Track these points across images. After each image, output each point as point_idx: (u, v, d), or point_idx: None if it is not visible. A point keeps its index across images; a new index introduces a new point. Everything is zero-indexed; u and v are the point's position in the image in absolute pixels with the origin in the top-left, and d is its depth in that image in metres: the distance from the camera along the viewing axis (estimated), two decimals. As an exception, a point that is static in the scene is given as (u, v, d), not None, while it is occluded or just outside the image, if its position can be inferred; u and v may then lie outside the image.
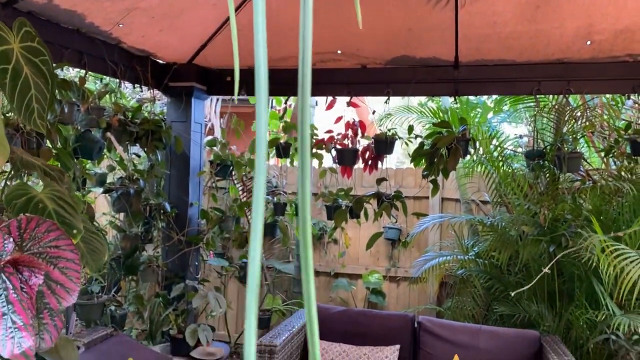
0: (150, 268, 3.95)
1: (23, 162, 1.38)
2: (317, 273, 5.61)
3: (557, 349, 3.38)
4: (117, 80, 3.66)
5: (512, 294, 3.40)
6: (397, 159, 8.31)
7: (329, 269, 5.66)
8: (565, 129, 3.90)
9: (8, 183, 1.48)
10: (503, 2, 3.27)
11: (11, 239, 1.11)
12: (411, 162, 4.11)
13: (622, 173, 3.88)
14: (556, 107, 3.92)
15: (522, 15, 3.37)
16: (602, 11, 3.26)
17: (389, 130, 4.11)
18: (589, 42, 3.49)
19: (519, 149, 4.49)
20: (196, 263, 4.24)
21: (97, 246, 1.48)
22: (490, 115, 6.28)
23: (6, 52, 1.30)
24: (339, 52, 3.99)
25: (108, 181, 3.80)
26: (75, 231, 1.31)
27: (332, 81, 4.12)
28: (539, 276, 3.24)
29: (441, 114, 4.45)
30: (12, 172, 1.49)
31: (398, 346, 3.65)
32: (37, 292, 1.13)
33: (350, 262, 5.60)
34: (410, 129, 4.17)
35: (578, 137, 4.07)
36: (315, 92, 4.23)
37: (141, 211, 3.71)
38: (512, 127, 5.65)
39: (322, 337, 3.81)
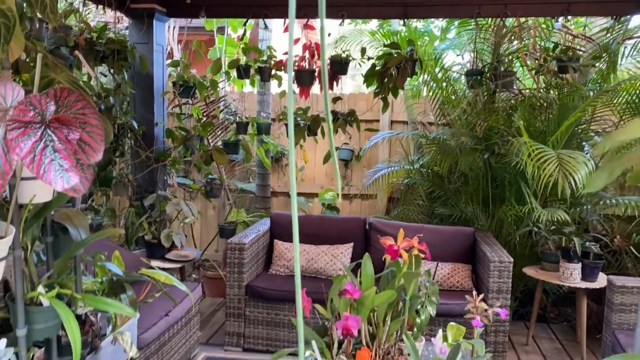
0: (121, 182, 4.21)
1: (37, 50, 1.63)
2: (277, 193, 5.98)
3: (489, 241, 3.92)
4: (80, 0, 3.76)
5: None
6: (353, 85, 8.63)
7: (287, 189, 6.04)
8: (501, 50, 4.30)
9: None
10: None
11: (53, 102, 1.39)
12: (364, 82, 4.44)
13: (550, 90, 4.35)
14: (493, 28, 4.30)
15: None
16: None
17: (344, 52, 4.40)
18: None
19: (461, 73, 4.88)
20: (165, 178, 4.51)
21: (105, 126, 1.76)
22: (437, 42, 6.64)
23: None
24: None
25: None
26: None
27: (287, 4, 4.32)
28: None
29: (392, 36, 4.75)
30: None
31: (352, 244, 4.12)
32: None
33: (307, 183, 6.00)
34: (363, 51, 4.47)
35: (513, 59, 4.49)
36: (273, 15, 4.44)
37: (111, 136, 3.92)
38: (455, 55, 6.03)
39: (284, 239, 4.23)
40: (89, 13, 4.97)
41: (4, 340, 1.72)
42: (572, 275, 3.69)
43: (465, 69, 4.63)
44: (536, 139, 4.05)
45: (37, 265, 2.00)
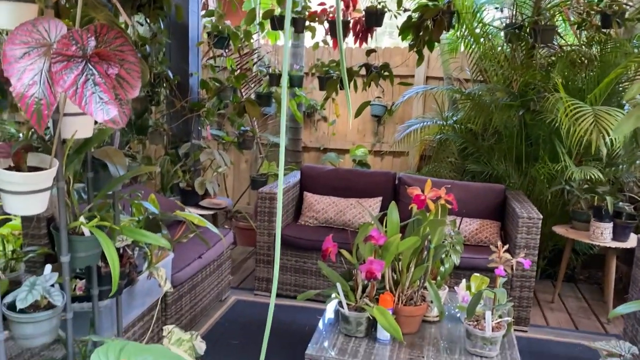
0: (157, 131, 4.32)
1: None
2: (308, 148, 6.03)
3: (519, 199, 3.91)
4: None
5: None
6: (389, 38, 8.48)
7: (318, 145, 6.09)
8: (543, 4, 4.16)
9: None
10: None
11: (93, 38, 1.44)
12: (399, 35, 4.38)
13: (593, 46, 4.21)
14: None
15: None
16: None
17: (379, 3, 4.33)
18: None
19: (500, 28, 4.75)
20: (199, 128, 4.61)
21: (142, 66, 1.82)
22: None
23: None
24: None
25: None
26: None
27: (325, -47, 4.25)
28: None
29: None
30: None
31: (380, 198, 4.16)
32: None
33: (338, 139, 6.02)
34: (400, 2, 4.39)
35: (555, 13, 4.34)
36: (309, -36, 4.38)
37: (147, 76, 4.00)
38: (495, 9, 5.84)
39: (315, 191, 4.29)
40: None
41: (49, 266, 1.85)
42: (602, 235, 3.66)
43: (504, 23, 4.50)
44: (574, 97, 3.95)
45: (79, 202, 2.11)
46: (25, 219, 2.93)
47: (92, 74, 1.43)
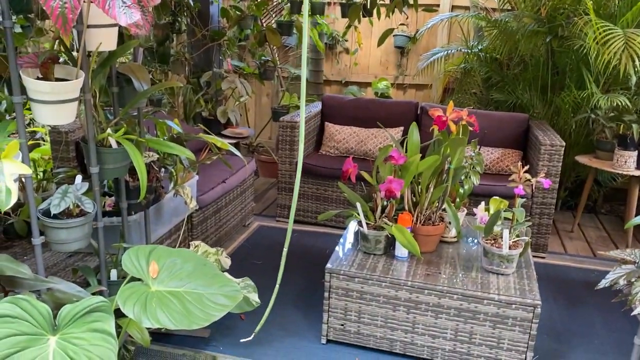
0: (178, 60, 4.32)
1: None
2: (329, 82, 5.98)
3: (543, 127, 3.86)
4: None
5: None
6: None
7: (340, 78, 6.02)
8: None
9: None
10: None
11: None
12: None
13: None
14: None
15: None
16: None
17: None
18: None
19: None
20: (220, 58, 4.59)
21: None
22: None
23: None
24: None
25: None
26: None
27: None
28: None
29: None
30: None
31: (402, 127, 4.15)
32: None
33: (361, 71, 5.94)
34: None
35: None
36: None
37: (167, 3, 3.97)
38: None
39: (336, 121, 4.30)
40: None
41: (79, 176, 1.93)
42: (626, 163, 3.62)
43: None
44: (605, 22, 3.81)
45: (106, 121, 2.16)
46: (55, 143, 3.01)
47: (114, -22, 1.44)
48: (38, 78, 1.71)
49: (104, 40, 1.81)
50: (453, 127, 2.54)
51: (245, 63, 5.36)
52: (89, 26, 1.77)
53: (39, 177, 3.11)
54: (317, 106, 4.44)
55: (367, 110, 4.29)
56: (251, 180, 3.90)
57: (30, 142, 3.23)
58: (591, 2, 3.59)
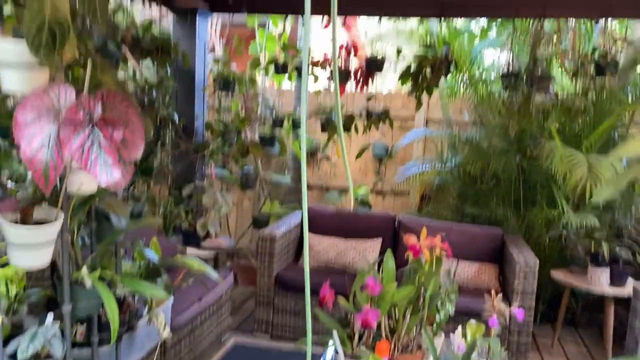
0: (161, 172, 4.42)
1: (86, 52, 1.80)
2: (310, 187, 6.12)
3: (517, 243, 3.94)
4: (129, -2, 3.95)
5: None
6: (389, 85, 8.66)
7: (321, 182, 6.17)
8: (538, 53, 4.28)
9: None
10: None
11: (100, 104, 1.54)
12: (398, 80, 4.50)
13: (588, 94, 4.31)
14: (531, 32, 4.28)
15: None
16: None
17: (380, 51, 4.47)
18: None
19: (497, 71, 4.88)
20: (203, 169, 4.70)
21: (146, 124, 1.91)
22: (477, 41, 6.60)
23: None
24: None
25: (122, 92, 4.17)
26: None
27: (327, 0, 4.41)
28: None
29: (427, 38, 4.79)
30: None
31: (380, 239, 4.21)
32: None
33: (340, 177, 6.10)
34: (399, 51, 4.54)
35: (551, 61, 4.46)
36: (312, 11, 4.53)
37: (154, 120, 4.12)
38: (496, 51, 5.99)
39: (316, 231, 4.35)
40: (135, 10, 5.18)
41: (50, 314, 1.91)
42: (599, 280, 3.68)
43: (501, 70, 4.62)
44: (570, 143, 4.03)
45: (82, 248, 2.18)
46: (30, 262, 2.99)
47: (98, 138, 1.52)
48: (16, 221, 1.74)
49: (86, 183, 1.87)
50: (427, 254, 2.59)
51: (229, 169, 5.48)
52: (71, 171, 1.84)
53: (10, 298, 3.05)
54: (298, 216, 4.50)
55: (347, 223, 4.36)
56: (228, 294, 3.86)
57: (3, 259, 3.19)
58: (556, 125, 3.82)
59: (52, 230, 1.73)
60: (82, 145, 1.49)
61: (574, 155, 3.47)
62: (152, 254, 2.39)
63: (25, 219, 1.73)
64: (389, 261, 2.68)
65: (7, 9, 2.19)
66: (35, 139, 1.50)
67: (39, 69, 1.65)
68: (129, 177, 1.63)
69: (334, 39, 0.65)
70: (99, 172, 1.50)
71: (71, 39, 1.72)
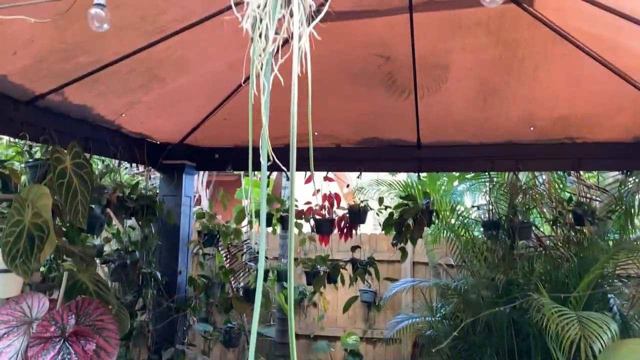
0: (141, 334, 4.23)
1: (66, 250, 1.77)
2: (298, 336, 5.89)
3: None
4: (117, 160, 4.07)
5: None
6: (373, 224, 8.76)
7: (308, 332, 5.96)
8: (516, 201, 4.40)
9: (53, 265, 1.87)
10: (455, 95, 3.81)
11: (73, 316, 1.48)
12: (382, 229, 4.55)
13: (569, 242, 4.36)
14: (508, 183, 4.44)
15: (473, 105, 3.91)
16: (541, 103, 3.82)
17: (362, 202, 4.57)
18: (532, 128, 4.04)
19: (478, 217, 4.98)
20: (184, 328, 4.52)
21: (122, 317, 1.84)
22: (455, 183, 6.82)
23: (63, 170, 1.72)
24: (315, 133, 4.49)
25: (105, 252, 4.13)
26: (110, 306, 1.68)
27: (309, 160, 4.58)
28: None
29: (408, 188, 4.93)
30: (54, 256, 1.87)
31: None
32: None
33: (328, 324, 5.91)
34: (381, 200, 4.64)
35: (530, 208, 4.57)
36: (296, 169, 4.68)
37: (136, 280, 4.04)
38: (473, 196, 6.17)
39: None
40: (124, 169, 5.32)
41: None
42: None
43: (482, 216, 4.71)
44: (559, 290, 3.98)
45: None
46: None
47: (69, 353, 1.44)
48: None
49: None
50: None
51: (213, 321, 5.28)
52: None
53: None
54: (283, 378, 4.26)
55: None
56: None
57: None
58: (539, 281, 3.81)
59: None
60: (51, 363, 1.41)
61: (564, 312, 3.41)
62: None
63: None
64: None
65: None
66: (2, 357, 1.42)
67: (14, 275, 1.62)
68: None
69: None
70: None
71: (50, 238, 1.71)
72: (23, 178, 2.97)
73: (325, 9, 1.05)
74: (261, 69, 0.78)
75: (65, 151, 1.87)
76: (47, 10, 2.15)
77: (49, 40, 2.61)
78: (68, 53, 2.77)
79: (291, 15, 0.79)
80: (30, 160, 3.14)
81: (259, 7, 0.81)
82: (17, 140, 3.08)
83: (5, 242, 1.51)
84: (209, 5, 2.66)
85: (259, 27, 0.82)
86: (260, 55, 0.80)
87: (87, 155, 3.72)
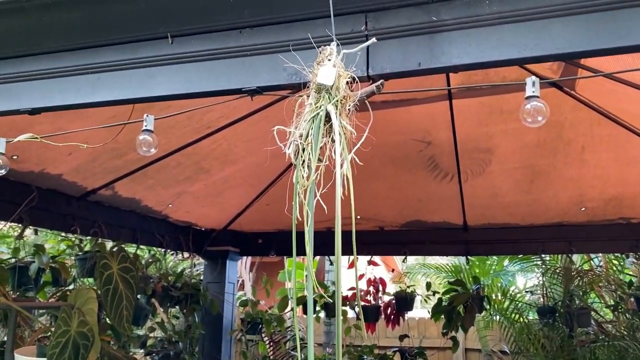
0: None
1: (110, 355, 1.76)
2: None
3: None
4: (163, 249, 4.12)
5: None
6: (421, 306, 8.45)
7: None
8: (572, 286, 4.17)
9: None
10: (500, 177, 3.74)
11: None
12: (431, 317, 4.36)
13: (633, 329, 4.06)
14: (561, 267, 4.23)
15: (519, 187, 3.82)
16: (590, 184, 3.70)
17: (408, 287, 4.42)
18: (583, 209, 3.89)
19: (532, 300, 4.73)
20: None
21: None
22: (506, 262, 6.56)
23: (110, 276, 1.75)
24: (358, 217, 4.46)
25: (148, 343, 4.10)
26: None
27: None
28: None
29: (457, 272, 4.77)
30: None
31: None
32: None
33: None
34: (428, 285, 4.49)
35: (587, 292, 4.32)
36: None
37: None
38: (525, 276, 5.91)
39: None
40: (170, 254, 5.38)
41: None
42: None
43: (535, 301, 4.48)
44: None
45: None
46: None
47: None
48: None
49: None
50: None
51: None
52: None
53: None
54: None
55: None
56: None
57: None
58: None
59: None
60: None
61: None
62: None
63: None
64: None
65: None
66: None
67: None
68: None
69: None
70: None
71: (95, 345, 1.70)
72: (73, 271, 3.03)
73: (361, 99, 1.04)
74: (304, 197, 0.78)
75: (112, 257, 1.92)
76: (101, 114, 2.27)
77: (102, 140, 2.74)
78: (119, 151, 2.89)
79: (332, 141, 0.79)
80: (80, 253, 3.21)
81: (301, 136, 0.82)
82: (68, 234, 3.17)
83: (51, 353, 1.51)
84: (252, 102, 2.76)
85: (301, 156, 0.83)
86: (301, 182, 0.79)
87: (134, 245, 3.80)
